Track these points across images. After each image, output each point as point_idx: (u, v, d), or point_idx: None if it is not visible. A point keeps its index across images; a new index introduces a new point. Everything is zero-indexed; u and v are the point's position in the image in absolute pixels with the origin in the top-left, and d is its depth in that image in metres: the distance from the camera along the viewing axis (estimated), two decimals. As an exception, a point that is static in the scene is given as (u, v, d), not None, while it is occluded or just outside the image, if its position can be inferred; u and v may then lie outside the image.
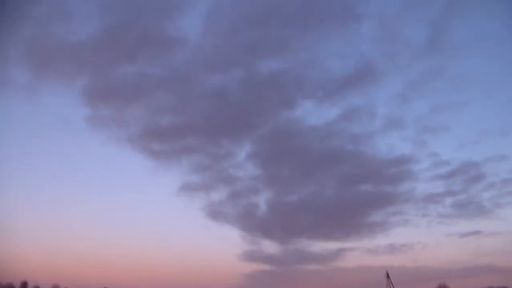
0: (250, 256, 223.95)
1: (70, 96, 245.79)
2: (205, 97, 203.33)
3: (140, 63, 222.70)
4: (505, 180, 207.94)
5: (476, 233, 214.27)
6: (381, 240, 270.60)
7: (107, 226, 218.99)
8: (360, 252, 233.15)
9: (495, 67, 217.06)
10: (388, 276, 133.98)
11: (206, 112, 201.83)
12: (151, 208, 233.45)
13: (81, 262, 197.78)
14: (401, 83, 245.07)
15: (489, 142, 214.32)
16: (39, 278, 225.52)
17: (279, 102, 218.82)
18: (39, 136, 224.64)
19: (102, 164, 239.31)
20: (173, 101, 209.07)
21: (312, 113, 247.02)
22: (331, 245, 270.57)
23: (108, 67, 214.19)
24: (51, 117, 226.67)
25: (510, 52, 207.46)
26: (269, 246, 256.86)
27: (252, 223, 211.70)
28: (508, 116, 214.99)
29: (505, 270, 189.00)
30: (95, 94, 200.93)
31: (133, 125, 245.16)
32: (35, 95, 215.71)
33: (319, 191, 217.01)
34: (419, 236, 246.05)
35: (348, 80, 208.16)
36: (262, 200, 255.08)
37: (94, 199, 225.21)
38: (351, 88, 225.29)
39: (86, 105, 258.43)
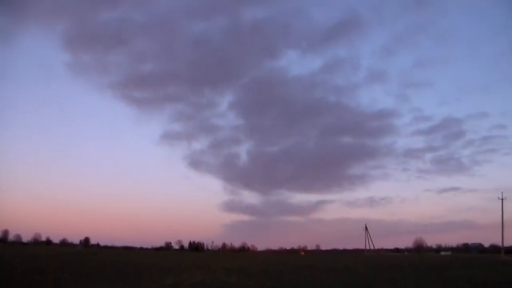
0: (230, 206, 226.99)
1: (50, 42, 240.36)
2: (188, 45, 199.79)
3: (122, 8, 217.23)
4: (485, 138, 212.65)
5: (454, 189, 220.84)
6: (360, 193, 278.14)
7: (88, 175, 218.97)
8: (340, 204, 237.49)
9: (480, 24, 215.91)
10: (366, 228, 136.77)
11: (189, 60, 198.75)
12: (132, 157, 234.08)
13: (63, 211, 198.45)
14: (386, 36, 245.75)
15: (471, 100, 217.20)
16: (21, 227, 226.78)
17: (262, 51, 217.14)
18: (17, 82, 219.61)
19: (83, 112, 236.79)
20: (155, 49, 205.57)
21: (296, 63, 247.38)
22: (311, 197, 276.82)
23: (89, 12, 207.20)
24: (31, 62, 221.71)
25: (495, 9, 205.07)
26: (250, 197, 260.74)
27: (233, 173, 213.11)
28: (491, 74, 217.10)
29: (481, 227, 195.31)
30: (75, 40, 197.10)
31: (115, 73, 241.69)
32: (12, 39, 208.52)
33: (301, 142, 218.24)
34: (398, 190, 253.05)
35: (333, 30, 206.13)
36: (243, 150, 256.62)
37: (75, 148, 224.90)
38: (335, 39, 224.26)
39: (66, 51, 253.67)
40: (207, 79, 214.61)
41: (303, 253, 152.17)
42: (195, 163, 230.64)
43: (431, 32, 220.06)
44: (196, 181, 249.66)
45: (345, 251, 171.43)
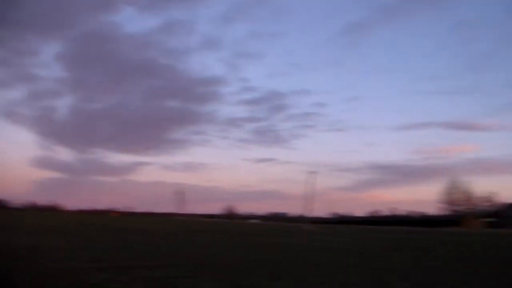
0: (42, 162, 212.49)
1: None
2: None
3: None
4: (305, 114, 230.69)
5: (270, 160, 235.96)
6: (179, 157, 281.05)
7: None
8: (157, 167, 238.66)
9: (316, 4, 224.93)
10: (180, 193, 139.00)
11: (12, 0, 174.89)
12: None
13: None
14: (225, 4, 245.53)
15: (297, 75, 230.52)
16: None
17: (98, 3, 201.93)
18: None
19: None
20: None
21: (132, 21, 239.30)
22: (127, 158, 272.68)
23: None
24: None
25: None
26: (64, 154, 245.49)
27: (49, 128, 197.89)
28: (319, 54, 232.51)
29: (288, 197, 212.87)
30: None
31: None
32: None
33: (125, 101, 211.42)
34: (216, 157, 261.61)
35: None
36: (63, 105, 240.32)
37: None
38: (175, 0, 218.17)
39: None
40: (31, 24, 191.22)
41: (113, 215, 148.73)
42: (8, 113, 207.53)
43: (269, 6, 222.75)
44: (7, 133, 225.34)
45: (158, 214, 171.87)
